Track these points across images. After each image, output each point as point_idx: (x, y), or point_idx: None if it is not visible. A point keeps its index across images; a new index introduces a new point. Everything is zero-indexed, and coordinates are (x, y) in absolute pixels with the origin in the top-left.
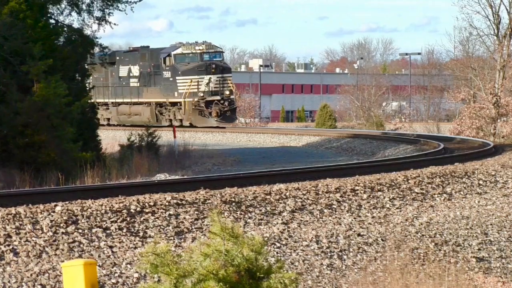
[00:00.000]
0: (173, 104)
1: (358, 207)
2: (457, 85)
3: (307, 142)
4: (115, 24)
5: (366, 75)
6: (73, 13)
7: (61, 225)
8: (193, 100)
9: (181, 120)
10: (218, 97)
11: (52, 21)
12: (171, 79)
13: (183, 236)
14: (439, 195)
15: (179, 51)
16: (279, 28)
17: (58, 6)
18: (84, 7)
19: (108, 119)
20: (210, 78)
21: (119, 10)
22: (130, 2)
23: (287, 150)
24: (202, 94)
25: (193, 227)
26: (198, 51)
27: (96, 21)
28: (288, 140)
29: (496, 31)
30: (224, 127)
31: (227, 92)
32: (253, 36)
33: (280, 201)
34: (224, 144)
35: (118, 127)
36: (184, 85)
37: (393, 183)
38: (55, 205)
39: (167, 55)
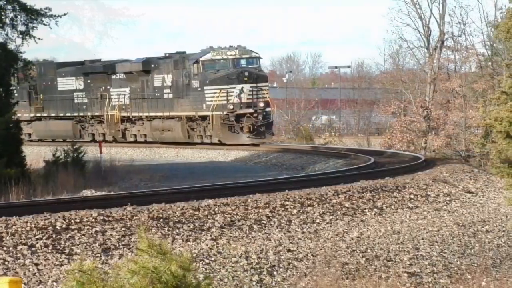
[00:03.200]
0: (203, 118)
1: (288, 223)
2: (387, 98)
3: (236, 157)
4: (39, 38)
5: (295, 88)
6: None
7: None
8: (221, 113)
9: (210, 137)
10: (251, 110)
11: None
12: (199, 89)
13: (110, 253)
14: (370, 210)
15: (208, 57)
16: (209, 41)
17: None
18: (7, 21)
19: (145, 135)
20: (242, 87)
21: (44, 24)
22: (55, 16)
23: (215, 165)
24: (232, 107)
25: (120, 244)
26: (230, 57)
27: (20, 36)
28: (216, 155)
29: (426, 44)
30: (258, 145)
31: (262, 104)
32: (183, 48)
33: (208, 217)
34: (152, 160)
35: (42, 143)
36: (212, 96)
37: (323, 198)
38: None
39: (195, 62)
